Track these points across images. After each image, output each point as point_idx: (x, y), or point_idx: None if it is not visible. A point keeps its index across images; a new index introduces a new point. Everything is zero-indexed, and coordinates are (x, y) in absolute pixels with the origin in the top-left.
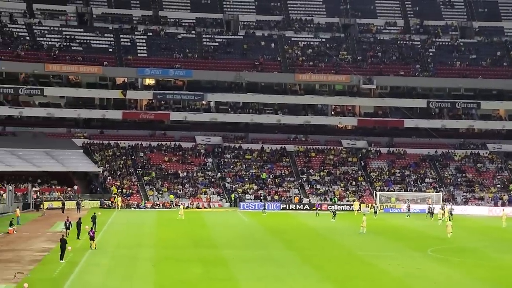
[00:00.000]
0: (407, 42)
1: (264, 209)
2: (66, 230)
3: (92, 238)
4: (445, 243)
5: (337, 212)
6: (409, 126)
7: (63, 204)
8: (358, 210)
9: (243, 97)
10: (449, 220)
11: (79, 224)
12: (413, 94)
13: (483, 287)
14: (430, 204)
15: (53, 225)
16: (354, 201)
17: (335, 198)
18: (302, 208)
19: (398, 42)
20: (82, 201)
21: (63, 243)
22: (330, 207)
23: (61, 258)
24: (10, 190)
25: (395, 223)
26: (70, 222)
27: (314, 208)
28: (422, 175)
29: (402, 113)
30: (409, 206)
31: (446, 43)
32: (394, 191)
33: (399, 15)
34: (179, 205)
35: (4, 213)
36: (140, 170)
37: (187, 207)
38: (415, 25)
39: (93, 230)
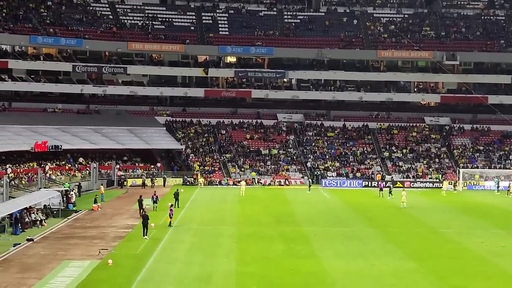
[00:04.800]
0: (491, 17)
1: (310, 185)
2: (154, 204)
3: (170, 216)
4: None
5: (420, 189)
6: (493, 103)
7: (143, 182)
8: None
9: (325, 74)
10: None
11: (140, 202)
12: (497, 70)
13: None
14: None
15: (136, 202)
16: (444, 180)
17: (440, 176)
18: (384, 185)
19: (482, 17)
20: (156, 178)
21: (145, 219)
22: (412, 185)
23: (144, 234)
24: (94, 167)
25: (479, 200)
26: (157, 197)
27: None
28: (506, 152)
29: (486, 89)
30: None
31: None
32: (478, 168)
33: None
34: (241, 182)
35: (88, 190)
36: (222, 147)
37: (269, 184)
38: None
39: (171, 208)
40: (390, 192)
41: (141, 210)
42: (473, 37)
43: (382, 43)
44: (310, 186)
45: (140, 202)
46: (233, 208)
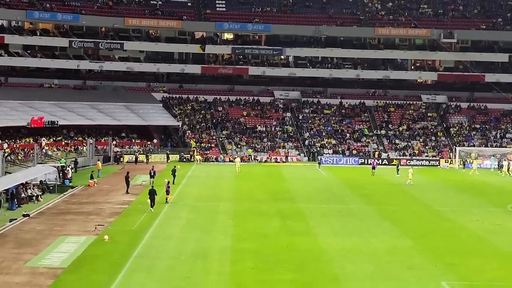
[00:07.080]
0: None
1: (319, 163)
2: (151, 178)
3: (167, 192)
4: None
5: (416, 167)
6: (490, 81)
7: (137, 158)
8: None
9: (322, 51)
10: None
11: (127, 178)
12: (494, 48)
13: None
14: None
15: (132, 178)
16: (476, 158)
17: (450, 154)
18: (380, 163)
19: None
20: (151, 154)
21: (152, 194)
22: (409, 162)
23: (151, 206)
24: (91, 143)
25: (475, 178)
26: (154, 172)
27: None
28: (503, 131)
29: (483, 67)
30: None
31: None
32: (474, 147)
33: None
34: (236, 159)
35: (85, 166)
36: (219, 124)
37: (265, 161)
38: None
39: (168, 185)
40: (397, 170)
41: (128, 187)
42: (471, 15)
43: (379, 21)
44: (319, 163)
45: (126, 179)
46: (229, 185)
